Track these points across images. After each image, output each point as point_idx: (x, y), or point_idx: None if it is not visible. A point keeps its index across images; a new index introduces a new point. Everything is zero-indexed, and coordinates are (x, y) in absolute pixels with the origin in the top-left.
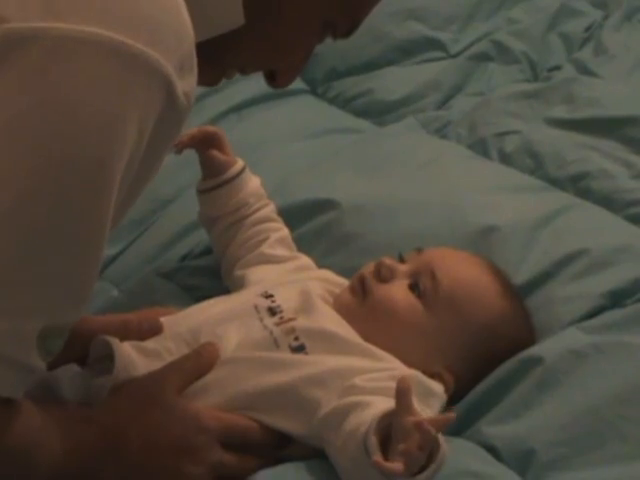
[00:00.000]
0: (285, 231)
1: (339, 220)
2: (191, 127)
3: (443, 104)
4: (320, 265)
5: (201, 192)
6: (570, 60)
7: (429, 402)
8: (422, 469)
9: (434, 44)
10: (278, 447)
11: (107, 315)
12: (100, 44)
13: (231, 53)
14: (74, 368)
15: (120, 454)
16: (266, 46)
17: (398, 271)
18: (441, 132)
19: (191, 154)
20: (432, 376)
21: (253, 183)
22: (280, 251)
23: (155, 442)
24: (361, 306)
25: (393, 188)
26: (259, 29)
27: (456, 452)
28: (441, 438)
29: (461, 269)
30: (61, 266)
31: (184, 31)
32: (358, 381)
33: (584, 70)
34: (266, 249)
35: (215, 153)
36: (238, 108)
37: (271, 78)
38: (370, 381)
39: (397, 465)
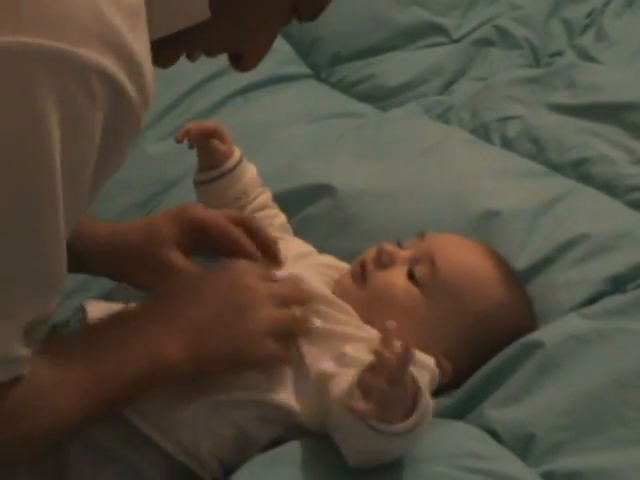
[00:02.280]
0: (283, 217)
1: (341, 204)
2: (198, 109)
3: (445, 89)
4: (322, 249)
5: (199, 183)
6: (571, 46)
7: (419, 373)
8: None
9: (437, 29)
10: None
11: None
12: (24, 52)
13: (197, 37)
14: None
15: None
16: (233, 30)
17: (398, 257)
18: (443, 117)
19: None
20: None
21: (250, 171)
22: (286, 236)
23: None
24: (360, 291)
25: (395, 172)
26: (226, 14)
27: (458, 434)
28: (425, 393)
29: (461, 257)
30: (21, 267)
31: (121, 35)
32: (349, 349)
33: (585, 56)
34: (274, 232)
35: (216, 143)
36: (243, 91)
37: (236, 60)
38: (360, 351)
39: (369, 405)
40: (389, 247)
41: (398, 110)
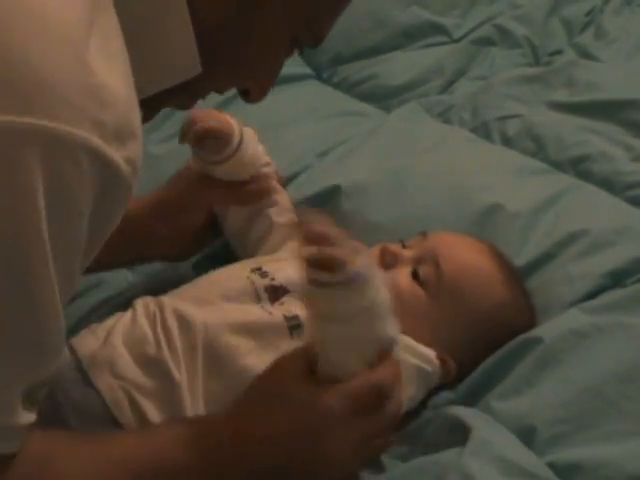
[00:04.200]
0: (285, 195)
1: (343, 201)
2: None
3: (446, 88)
4: None
5: (214, 163)
6: (571, 44)
7: (417, 359)
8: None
9: (437, 29)
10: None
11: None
12: (13, 131)
13: (197, 85)
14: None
15: (249, 460)
16: (238, 70)
17: (402, 257)
18: (444, 116)
19: None
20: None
21: (251, 146)
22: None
23: (286, 440)
24: None
25: (397, 170)
26: (222, 62)
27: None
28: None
29: (465, 257)
30: (21, 339)
31: (111, 101)
32: None
33: (585, 54)
34: (275, 217)
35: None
36: None
37: (245, 94)
38: None
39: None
40: (393, 247)
41: (399, 110)
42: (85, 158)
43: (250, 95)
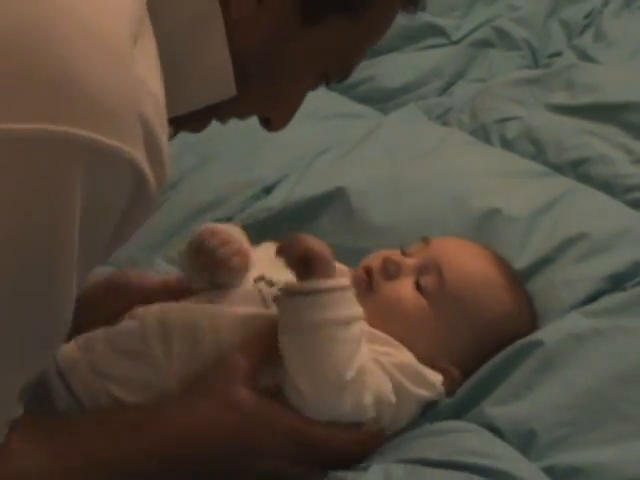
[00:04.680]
0: None
1: (340, 204)
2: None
3: (445, 91)
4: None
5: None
6: (570, 46)
7: (422, 389)
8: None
9: (436, 31)
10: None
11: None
12: (59, 141)
13: (226, 107)
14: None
15: (187, 454)
16: (262, 100)
17: (405, 266)
18: (443, 118)
19: (192, 138)
20: (439, 371)
21: None
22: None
23: (223, 442)
24: (367, 300)
25: (396, 173)
26: (254, 88)
27: (460, 432)
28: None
29: (467, 265)
30: (35, 333)
31: (151, 125)
32: None
33: (584, 56)
34: None
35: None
36: None
37: (266, 122)
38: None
39: None
40: (395, 256)
41: (398, 112)
42: (127, 173)
43: (271, 123)
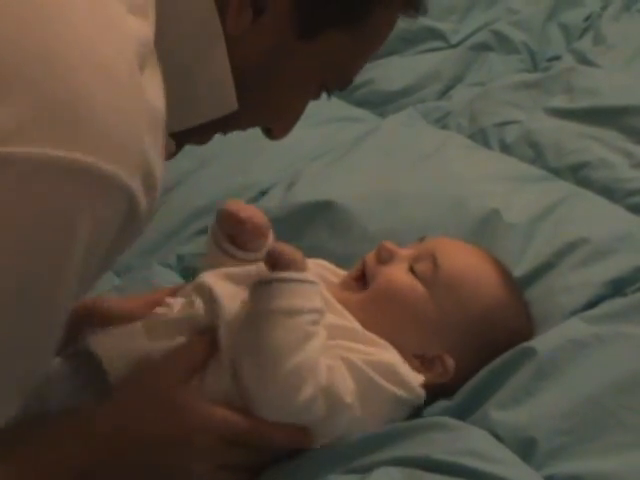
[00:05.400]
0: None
1: (338, 209)
2: None
3: (443, 94)
4: (320, 251)
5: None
6: (569, 50)
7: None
8: None
9: (435, 34)
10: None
11: (129, 298)
12: (61, 166)
13: (228, 121)
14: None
15: (122, 454)
16: (266, 110)
17: (398, 254)
18: (441, 122)
19: None
20: (432, 359)
21: None
22: None
23: (158, 442)
24: (362, 288)
25: (394, 178)
26: (260, 98)
27: (465, 432)
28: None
29: (462, 256)
30: (34, 341)
31: (149, 153)
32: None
33: (583, 60)
34: None
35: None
36: None
37: (267, 131)
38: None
39: None
40: (388, 245)
41: (396, 116)
42: (121, 199)
43: (273, 133)
